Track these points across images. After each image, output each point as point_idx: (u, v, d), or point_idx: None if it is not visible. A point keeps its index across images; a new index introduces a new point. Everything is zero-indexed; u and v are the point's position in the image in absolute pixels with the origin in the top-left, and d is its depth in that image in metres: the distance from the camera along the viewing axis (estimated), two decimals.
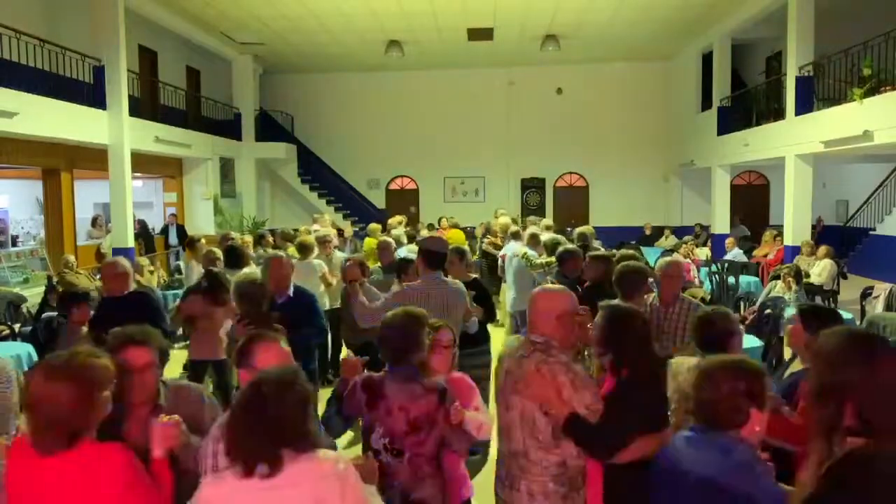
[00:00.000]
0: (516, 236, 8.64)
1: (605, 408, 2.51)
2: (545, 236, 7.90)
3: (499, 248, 9.67)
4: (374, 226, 10.48)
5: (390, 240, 7.23)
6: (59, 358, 2.01)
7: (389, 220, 11.49)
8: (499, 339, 4.19)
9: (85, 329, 4.65)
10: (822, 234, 13.85)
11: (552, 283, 4.50)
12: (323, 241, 7.34)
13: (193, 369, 5.37)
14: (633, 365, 2.57)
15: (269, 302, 4.30)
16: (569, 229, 12.01)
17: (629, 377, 2.56)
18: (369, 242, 9.10)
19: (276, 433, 1.87)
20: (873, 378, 1.77)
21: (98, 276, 7.39)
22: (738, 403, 1.92)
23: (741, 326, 3.56)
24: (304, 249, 6.83)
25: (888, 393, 1.75)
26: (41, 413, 1.93)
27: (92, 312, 4.78)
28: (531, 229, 8.39)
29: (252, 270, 5.66)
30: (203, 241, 8.10)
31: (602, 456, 2.53)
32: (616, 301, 3.23)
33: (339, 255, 7.49)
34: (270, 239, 10.08)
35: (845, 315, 6.12)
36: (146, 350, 2.36)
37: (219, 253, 6.63)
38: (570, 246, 6.09)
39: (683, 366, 2.86)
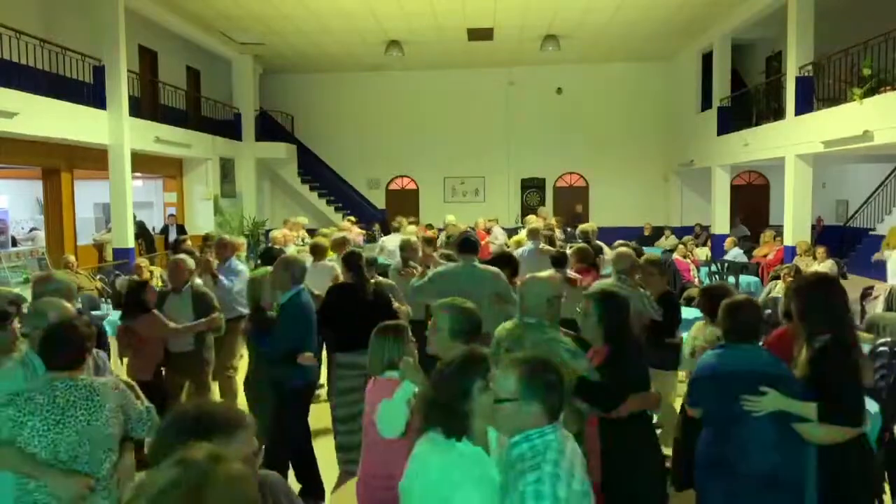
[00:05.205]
0: None
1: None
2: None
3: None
4: (325, 230, 10.39)
5: (343, 234, 7.93)
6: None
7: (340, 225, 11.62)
8: None
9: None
10: (822, 234, 13.84)
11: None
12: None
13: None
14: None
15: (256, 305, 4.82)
16: (569, 229, 12.00)
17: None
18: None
19: None
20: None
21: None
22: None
23: None
24: (317, 251, 6.83)
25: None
26: None
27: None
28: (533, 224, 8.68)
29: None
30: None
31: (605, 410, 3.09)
32: None
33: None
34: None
35: None
36: None
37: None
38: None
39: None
